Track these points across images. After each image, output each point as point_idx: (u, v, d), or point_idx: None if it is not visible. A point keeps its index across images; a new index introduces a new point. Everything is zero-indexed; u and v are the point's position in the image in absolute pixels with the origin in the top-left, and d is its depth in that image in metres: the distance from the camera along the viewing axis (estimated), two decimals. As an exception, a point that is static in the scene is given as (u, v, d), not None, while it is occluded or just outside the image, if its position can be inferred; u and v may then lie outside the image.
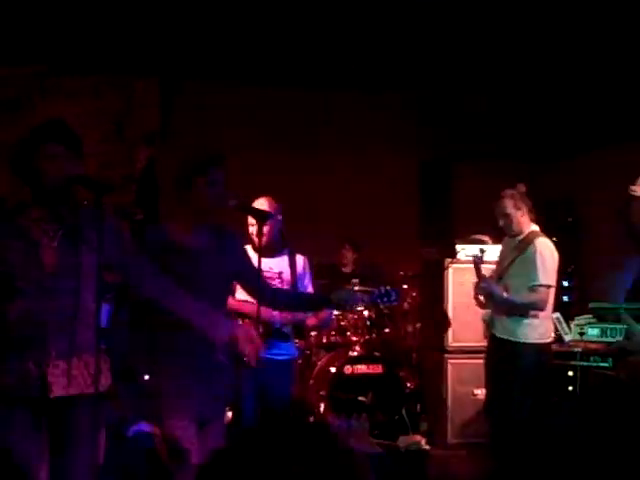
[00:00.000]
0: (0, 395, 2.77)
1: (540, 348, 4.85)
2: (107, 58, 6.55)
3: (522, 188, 4.95)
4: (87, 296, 2.81)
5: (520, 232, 4.90)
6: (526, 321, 4.81)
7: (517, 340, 4.80)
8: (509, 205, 4.87)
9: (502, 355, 4.91)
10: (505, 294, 4.83)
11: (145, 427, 4.60)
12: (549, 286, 4.78)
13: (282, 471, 1.12)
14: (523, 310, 4.78)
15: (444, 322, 6.11)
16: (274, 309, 4.01)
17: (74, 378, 2.81)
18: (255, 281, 3.52)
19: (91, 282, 2.80)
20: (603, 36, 6.03)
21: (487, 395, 5.14)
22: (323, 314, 4.48)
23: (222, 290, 3.50)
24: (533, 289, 4.74)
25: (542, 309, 4.80)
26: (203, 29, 6.25)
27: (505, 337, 4.87)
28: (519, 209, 4.90)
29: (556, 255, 4.88)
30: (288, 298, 3.87)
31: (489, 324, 5.04)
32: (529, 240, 4.84)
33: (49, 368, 2.76)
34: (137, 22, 6.04)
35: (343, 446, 1.19)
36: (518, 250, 4.86)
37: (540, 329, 4.86)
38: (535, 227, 4.94)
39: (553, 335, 5.08)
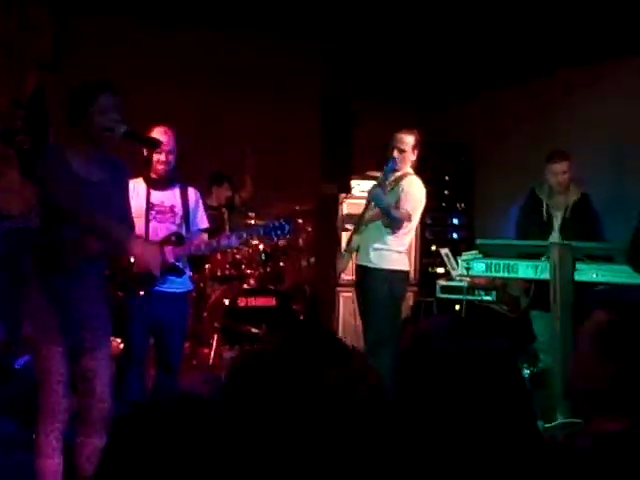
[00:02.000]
0: None
1: (393, 275, 5.03)
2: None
3: (418, 134, 5.11)
4: None
5: (400, 170, 5.06)
6: (386, 253, 5.01)
7: (372, 266, 4.99)
8: (409, 142, 5.03)
9: (361, 283, 5.12)
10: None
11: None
12: (409, 215, 4.98)
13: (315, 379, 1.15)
14: (391, 223, 4.95)
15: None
16: None
17: None
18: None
19: None
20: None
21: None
22: (222, 243, 4.47)
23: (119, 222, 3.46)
24: (397, 208, 4.92)
25: (399, 228, 4.97)
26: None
27: (363, 264, 5.06)
28: (413, 151, 5.07)
29: (424, 195, 5.09)
30: None
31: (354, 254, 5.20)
32: (402, 177, 5.06)
33: None
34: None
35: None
36: (390, 186, 5.05)
37: (395, 258, 5.04)
38: (411, 171, 5.12)
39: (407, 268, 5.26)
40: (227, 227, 6.36)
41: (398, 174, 5.07)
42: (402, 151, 5.03)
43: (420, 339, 1.44)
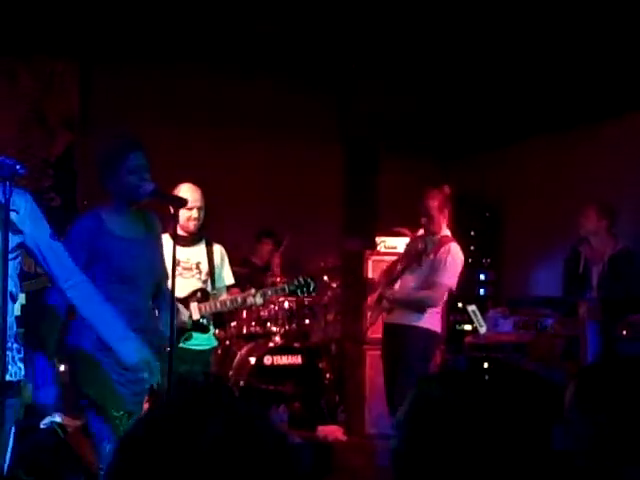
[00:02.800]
0: None
1: (428, 334, 4.94)
2: (21, 40, 6.33)
3: (447, 190, 5.03)
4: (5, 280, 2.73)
5: (435, 234, 4.97)
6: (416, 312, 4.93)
7: (407, 324, 4.90)
8: (434, 206, 4.95)
9: (390, 341, 5.03)
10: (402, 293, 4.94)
11: (59, 418, 4.52)
12: (447, 286, 4.89)
13: (199, 433, 1.11)
14: (419, 305, 4.87)
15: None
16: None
17: None
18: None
19: (7, 265, 2.72)
20: (510, 39, 6.18)
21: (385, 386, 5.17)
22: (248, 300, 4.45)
23: (152, 279, 3.47)
24: (434, 285, 4.82)
25: (436, 306, 4.90)
26: (118, 10, 6.13)
27: (397, 322, 4.97)
28: (441, 211, 4.99)
29: (462, 261, 4.99)
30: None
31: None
32: (440, 245, 4.93)
33: None
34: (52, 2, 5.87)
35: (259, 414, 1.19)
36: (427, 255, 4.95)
37: (429, 319, 4.95)
38: (447, 232, 5.04)
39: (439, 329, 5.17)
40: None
41: (435, 238, 4.96)
42: (430, 216, 4.96)
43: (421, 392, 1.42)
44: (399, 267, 5.06)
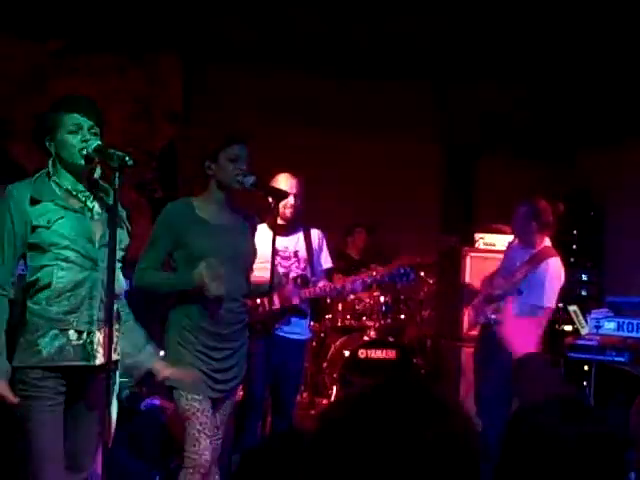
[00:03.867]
0: (36, 366, 2.80)
1: None
2: (128, 36, 6.54)
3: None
4: (113, 269, 2.85)
5: (533, 246, 4.75)
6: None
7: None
8: (532, 221, 4.72)
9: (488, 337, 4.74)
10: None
11: (157, 401, 4.65)
12: (551, 309, 4.71)
13: (411, 436, 1.12)
14: None
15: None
16: None
17: (101, 346, 2.88)
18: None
19: (115, 254, 2.84)
20: (618, 38, 5.99)
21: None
22: (337, 291, 4.46)
23: (244, 267, 3.53)
24: (535, 310, 4.64)
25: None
26: (223, 8, 6.25)
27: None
28: (540, 225, 4.73)
29: (563, 275, 4.78)
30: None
31: None
32: (542, 257, 4.70)
33: (91, 337, 2.85)
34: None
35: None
36: (530, 265, 4.74)
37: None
38: (548, 242, 4.80)
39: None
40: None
41: (533, 252, 4.72)
42: (526, 226, 4.71)
43: (527, 412, 1.38)
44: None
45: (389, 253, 6.84)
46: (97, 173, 2.94)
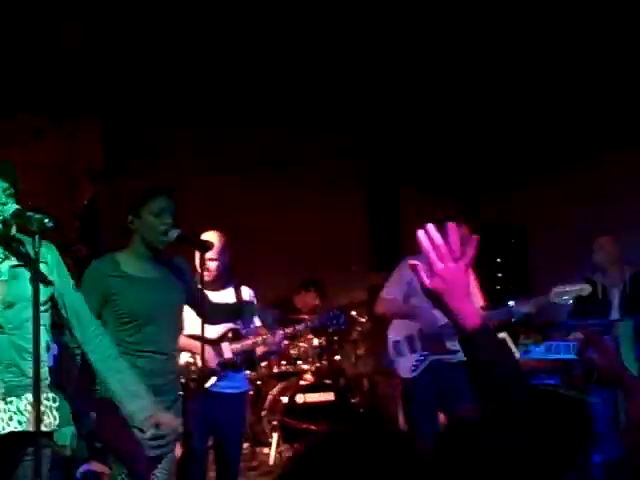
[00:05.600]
0: None
1: None
2: (51, 99, 6.47)
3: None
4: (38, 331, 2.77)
5: None
6: None
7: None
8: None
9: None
10: None
11: (94, 467, 4.52)
12: None
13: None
14: None
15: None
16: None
17: (20, 415, 2.77)
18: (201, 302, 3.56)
19: (39, 316, 2.76)
20: (538, 70, 6.23)
21: None
22: (271, 341, 4.48)
23: (173, 321, 3.50)
24: None
25: None
26: (146, 73, 6.27)
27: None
28: None
29: None
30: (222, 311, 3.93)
31: None
32: None
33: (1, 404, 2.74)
34: (77, 60, 6.01)
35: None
36: None
37: None
38: None
39: None
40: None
41: None
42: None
43: (453, 428, 1.44)
44: None
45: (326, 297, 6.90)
46: (13, 231, 2.87)
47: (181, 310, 3.58)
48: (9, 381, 2.75)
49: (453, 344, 4.86)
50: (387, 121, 7.55)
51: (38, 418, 2.63)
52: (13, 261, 2.84)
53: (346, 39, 5.94)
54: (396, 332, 4.97)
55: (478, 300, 4.78)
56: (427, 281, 1.50)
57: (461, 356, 4.37)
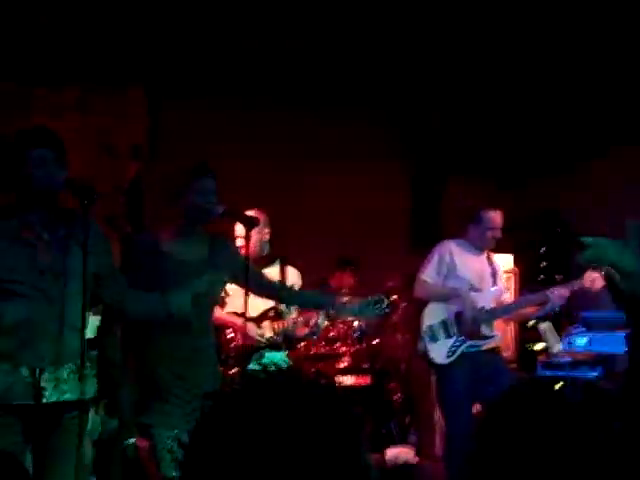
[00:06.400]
0: None
1: None
2: (91, 70, 6.49)
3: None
4: (77, 302, 2.80)
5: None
6: None
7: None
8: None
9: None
10: None
11: (138, 441, 4.56)
12: None
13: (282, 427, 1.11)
14: None
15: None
16: (282, 303, 4.05)
17: (64, 384, 2.80)
18: (259, 278, 3.56)
19: (80, 288, 2.79)
20: (580, 59, 6.13)
21: None
22: (313, 322, 4.48)
23: (207, 304, 3.50)
24: None
25: None
26: (189, 43, 6.25)
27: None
28: None
29: None
30: (295, 296, 3.92)
31: None
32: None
33: (42, 374, 2.77)
34: (122, 30, 6.02)
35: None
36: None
37: None
38: None
39: None
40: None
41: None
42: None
43: (499, 404, 1.41)
44: None
45: (360, 277, 6.86)
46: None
47: (218, 290, 3.58)
48: (55, 351, 2.78)
49: (488, 329, 4.84)
50: (430, 103, 7.48)
51: (83, 386, 2.67)
52: (61, 232, 2.88)
53: (392, 25, 5.92)
54: (430, 317, 4.97)
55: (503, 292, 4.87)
56: None
57: (492, 342, 4.38)
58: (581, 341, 5.46)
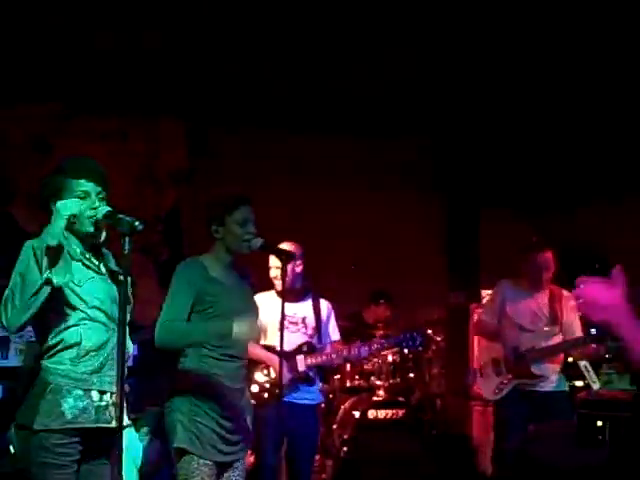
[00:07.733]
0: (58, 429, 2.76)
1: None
2: (129, 99, 6.57)
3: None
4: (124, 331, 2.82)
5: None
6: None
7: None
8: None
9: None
10: None
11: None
12: None
13: None
14: None
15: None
16: None
17: (108, 409, 2.87)
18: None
19: (126, 316, 2.82)
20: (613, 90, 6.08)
21: None
22: (353, 355, 4.47)
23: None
24: None
25: None
26: (227, 76, 6.32)
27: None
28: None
29: None
30: None
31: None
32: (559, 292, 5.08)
33: (110, 398, 2.85)
34: (160, 62, 6.09)
35: None
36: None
37: None
38: None
39: None
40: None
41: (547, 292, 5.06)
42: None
43: (529, 443, 1.39)
44: None
45: (397, 311, 6.81)
46: (102, 237, 2.93)
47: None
48: (117, 377, 2.82)
49: (538, 368, 4.80)
50: (464, 137, 7.46)
51: (122, 407, 2.68)
52: (110, 263, 2.95)
53: (426, 56, 5.96)
54: (484, 353, 5.14)
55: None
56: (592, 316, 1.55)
57: (549, 386, 4.32)
58: (622, 380, 5.35)
